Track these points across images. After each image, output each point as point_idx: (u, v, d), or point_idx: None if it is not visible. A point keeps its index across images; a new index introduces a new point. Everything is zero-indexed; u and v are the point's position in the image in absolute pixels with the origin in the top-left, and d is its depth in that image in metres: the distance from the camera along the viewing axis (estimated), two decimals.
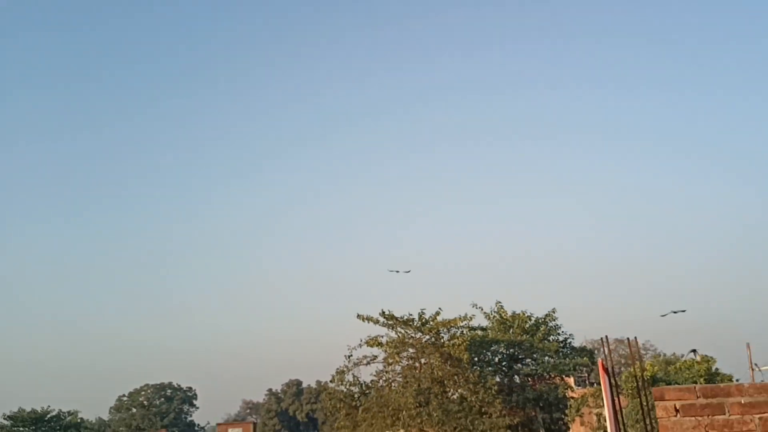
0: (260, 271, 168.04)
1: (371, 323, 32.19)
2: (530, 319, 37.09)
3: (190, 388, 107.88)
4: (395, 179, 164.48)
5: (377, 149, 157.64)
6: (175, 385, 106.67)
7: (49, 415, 72.02)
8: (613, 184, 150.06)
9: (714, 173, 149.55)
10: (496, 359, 36.91)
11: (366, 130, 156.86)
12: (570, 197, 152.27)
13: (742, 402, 3.35)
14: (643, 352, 66.40)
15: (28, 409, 71.74)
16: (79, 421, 77.11)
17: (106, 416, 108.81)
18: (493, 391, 30.88)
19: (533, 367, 36.45)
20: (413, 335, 32.57)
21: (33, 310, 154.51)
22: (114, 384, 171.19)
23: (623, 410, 23.96)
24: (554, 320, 37.31)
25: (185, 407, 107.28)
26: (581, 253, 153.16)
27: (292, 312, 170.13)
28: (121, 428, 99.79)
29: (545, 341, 36.12)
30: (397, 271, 32.89)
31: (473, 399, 30.48)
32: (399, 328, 32.52)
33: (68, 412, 75.09)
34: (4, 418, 70.52)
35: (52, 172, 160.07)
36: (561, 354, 36.78)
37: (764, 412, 3.29)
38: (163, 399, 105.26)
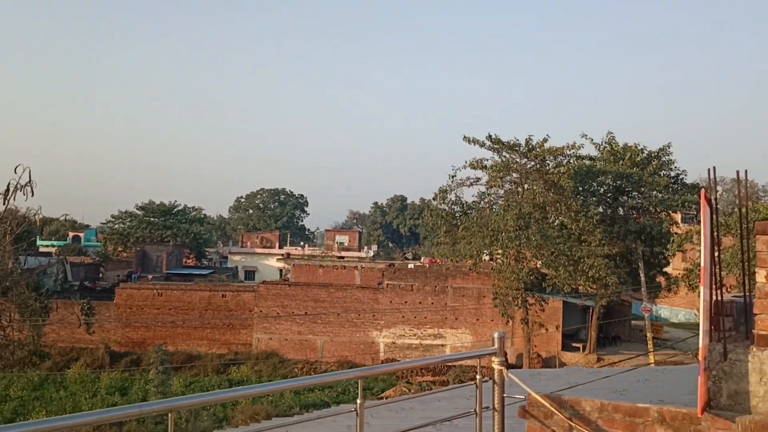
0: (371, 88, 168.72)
1: (477, 146, 32.27)
2: (642, 152, 35.83)
3: (302, 195, 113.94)
4: None
5: None
6: (288, 191, 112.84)
7: (176, 209, 79.06)
8: None
9: None
10: (602, 190, 36.46)
11: None
12: None
13: None
14: (761, 194, 63.41)
15: (158, 202, 78.89)
16: (202, 216, 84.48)
17: (226, 215, 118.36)
18: (594, 221, 31.01)
19: (639, 201, 35.85)
20: (518, 160, 32.50)
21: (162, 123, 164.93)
22: (232, 186, 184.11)
23: (726, 250, 23.57)
24: (668, 155, 35.87)
25: (297, 213, 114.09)
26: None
27: (399, 129, 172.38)
28: (239, 226, 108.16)
29: (655, 176, 35.02)
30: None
31: (573, 227, 30.77)
32: (504, 153, 32.46)
33: (193, 207, 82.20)
34: (137, 208, 78.04)
35: None
36: (671, 190, 35.77)
37: None
38: (277, 203, 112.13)
